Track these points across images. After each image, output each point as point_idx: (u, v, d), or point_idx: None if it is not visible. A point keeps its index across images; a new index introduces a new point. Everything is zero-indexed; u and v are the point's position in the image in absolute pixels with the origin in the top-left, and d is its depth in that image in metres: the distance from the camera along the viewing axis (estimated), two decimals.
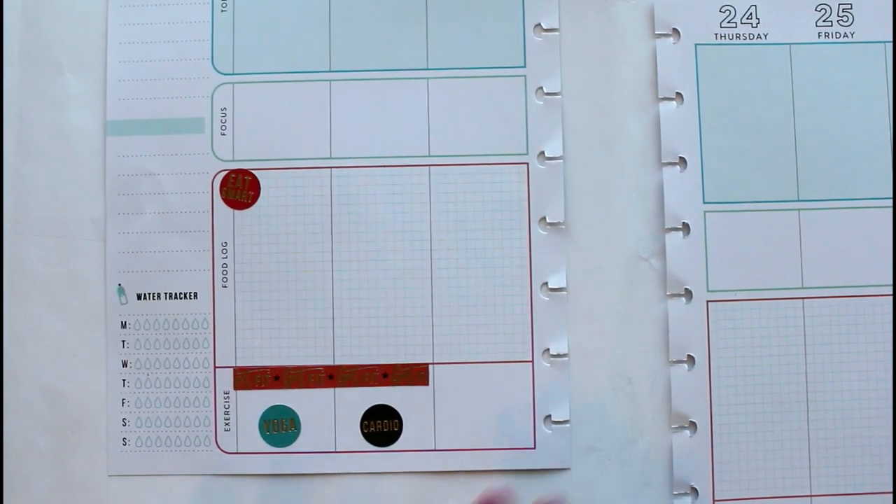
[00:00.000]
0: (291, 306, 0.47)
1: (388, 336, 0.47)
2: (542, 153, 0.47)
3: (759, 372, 0.47)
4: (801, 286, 0.47)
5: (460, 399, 0.47)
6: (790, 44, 0.48)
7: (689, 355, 0.47)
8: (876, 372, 0.47)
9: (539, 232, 0.47)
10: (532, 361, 0.47)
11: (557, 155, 0.47)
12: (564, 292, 0.47)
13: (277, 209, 0.47)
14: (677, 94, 0.47)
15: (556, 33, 0.48)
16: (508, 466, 0.47)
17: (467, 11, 0.48)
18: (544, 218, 0.47)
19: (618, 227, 0.47)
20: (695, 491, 0.46)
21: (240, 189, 0.48)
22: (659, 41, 0.48)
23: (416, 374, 0.47)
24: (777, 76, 0.48)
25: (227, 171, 0.48)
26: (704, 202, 0.47)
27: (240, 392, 0.47)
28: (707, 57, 0.48)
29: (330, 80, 0.48)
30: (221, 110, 0.48)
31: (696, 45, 0.48)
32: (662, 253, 0.47)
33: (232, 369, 0.47)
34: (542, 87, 0.47)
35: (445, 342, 0.47)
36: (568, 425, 0.47)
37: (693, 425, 0.47)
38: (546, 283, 0.47)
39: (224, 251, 0.47)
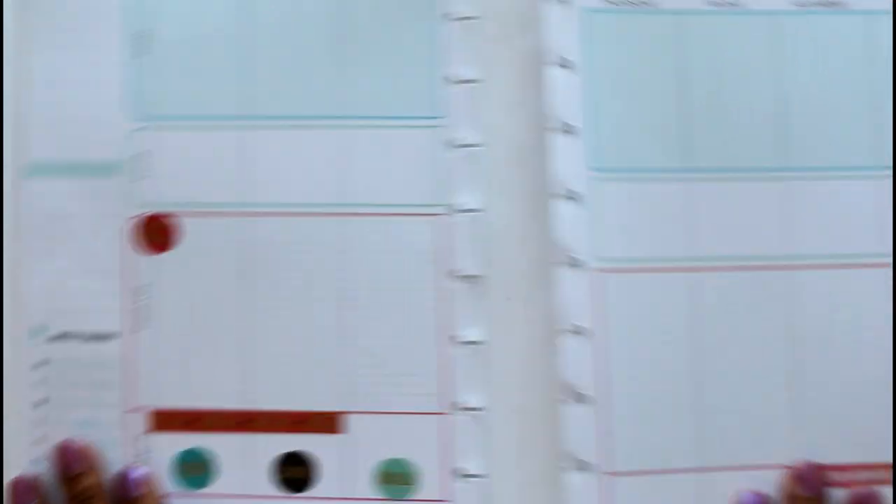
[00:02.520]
0: (207, 350, 0.47)
1: (303, 383, 0.47)
2: (455, 204, 0.47)
3: (649, 343, 0.47)
4: (691, 256, 0.47)
5: (374, 448, 0.47)
6: (680, 11, 0.48)
7: (575, 325, 0.46)
8: (768, 343, 0.47)
9: (450, 284, 0.47)
10: (442, 413, 0.47)
11: (470, 207, 0.47)
12: (475, 345, 0.47)
13: (195, 254, 0.48)
14: (565, 60, 0.47)
15: (473, 84, 0.47)
16: None
17: (383, 60, 0.47)
18: (455, 270, 0.47)
19: (537, 277, 0.47)
20: (584, 464, 0.46)
21: (157, 233, 0.48)
22: (546, 6, 0.47)
23: (329, 422, 0.47)
24: (667, 43, 0.47)
25: (144, 216, 0.48)
26: (592, 170, 0.47)
27: (155, 435, 0.47)
28: (595, 23, 0.47)
29: (247, 127, 0.48)
30: (140, 154, 0.48)
31: (583, 9, 0.47)
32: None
33: (147, 412, 0.47)
34: (456, 138, 0.47)
35: (360, 391, 0.47)
36: (485, 479, 0.47)
37: (582, 397, 0.47)
38: (456, 336, 0.47)
39: (141, 295, 0.48)
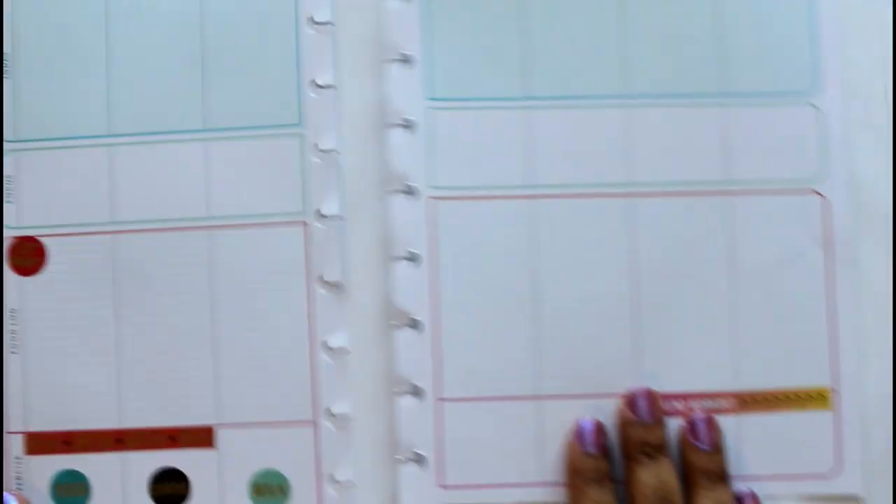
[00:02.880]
0: (80, 371, 0.47)
1: (175, 399, 0.47)
2: (319, 211, 0.47)
3: (485, 270, 0.46)
4: (529, 184, 0.46)
5: (246, 461, 0.47)
6: None
7: (410, 252, 0.46)
8: (608, 272, 0.46)
9: (319, 291, 0.47)
10: (315, 422, 0.47)
11: (334, 213, 0.47)
12: (345, 352, 0.47)
13: (64, 275, 0.48)
14: None
15: (332, 90, 0.47)
16: None
17: (244, 71, 0.47)
18: (322, 277, 0.47)
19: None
20: (418, 389, 0.46)
21: (26, 256, 0.48)
22: None
23: (202, 436, 0.47)
24: None
25: (13, 239, 0.48)
26: (428, 99, 0.46)
27: (31, 457, 0.47)
28: None
29: (110, 145, 0.48)
30: (7, 178, 0.48)
31: None
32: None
33: (23, 435, 0.47)
34: (318, 145, 0.47)
35: (230, 404, 0.47)
36: (353, 485, 0.46)
37: (415, 323, 0.46)
38: (327, 343, 0.47)
39: (12, 318, 0.48)
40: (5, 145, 0.48)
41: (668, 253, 0.46)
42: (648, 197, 0.46)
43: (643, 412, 0.45)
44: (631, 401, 0.45)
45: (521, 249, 0.46)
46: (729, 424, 0.46)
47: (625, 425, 0.45)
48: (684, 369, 0.46)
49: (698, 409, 0.46)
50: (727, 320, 0.46)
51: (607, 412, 0.46)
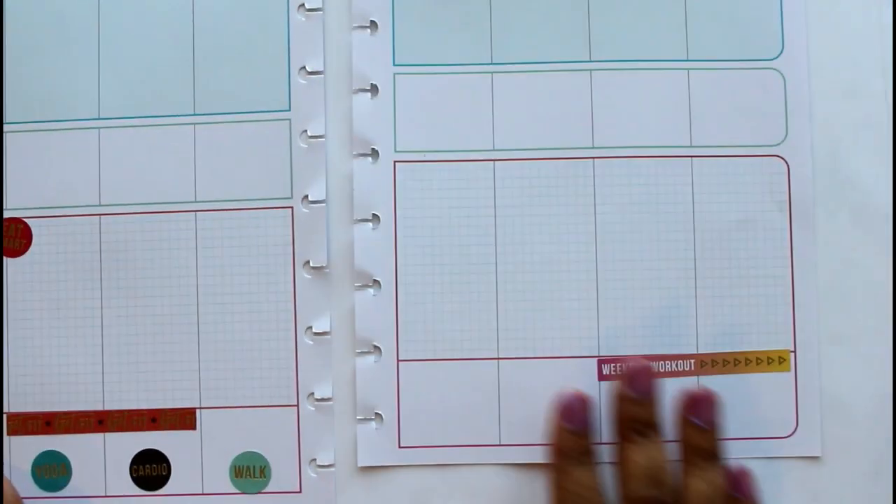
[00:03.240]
0: (62, 352, 0.47)
1: (157, 381, 0.47)
2: (307, 197, 0.47)
3: (447, 233, 0.47)
4: (492, 148, 0.47)
5: (227, 443, 0.47)
6: None
7: (374, 214, 0.47)
8: (566, 235, 0.47)
9: (303, 276, 0.47)
10: (297, 405, 0.47)
11: (321, 198, 0.47)
12: (328, 336, 0.47)
13: (49, 256, 0.48)
14: None
15: (321, 76, 0.48)
16: None
17: (234, 56, 0.48)
18: (308, 262, 0.47)
19: None
20: (378, 349, 0.46)
21: (12, 237, 0.48)
22: None
23: (183, 418, 0.47)
24: None
25: None
26: (394, 64, 0.47)
27: (12, 438, 0.47)
28: None
29: (99, 128, 0.48)
30: None
31: None
32: None
33: (4, 415, 0.47)
34: (306, 130, 0.48)
35: (212, 386, 0.47)
36: (333, 469, 0.47)
37: (377, 283, 0.47)
38: (311, 328, 0.47)
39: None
40: None
41: (630, 215, 0.47)
42: (610, 159, 0.47)
43: (639, 387, 0.43)
44: (627, 375, 0.43)
45: (484, 212, 0.47)
46: (690, 386, 0.46)
47: (619, 400, 0.43)
48: (645, 332, 0.47)
49: (699, 387, 0.46)
50: (688, 283, 0.47)
51: (566, 374, 0.46)
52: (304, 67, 0.48)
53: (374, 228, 0.47)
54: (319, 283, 0.47)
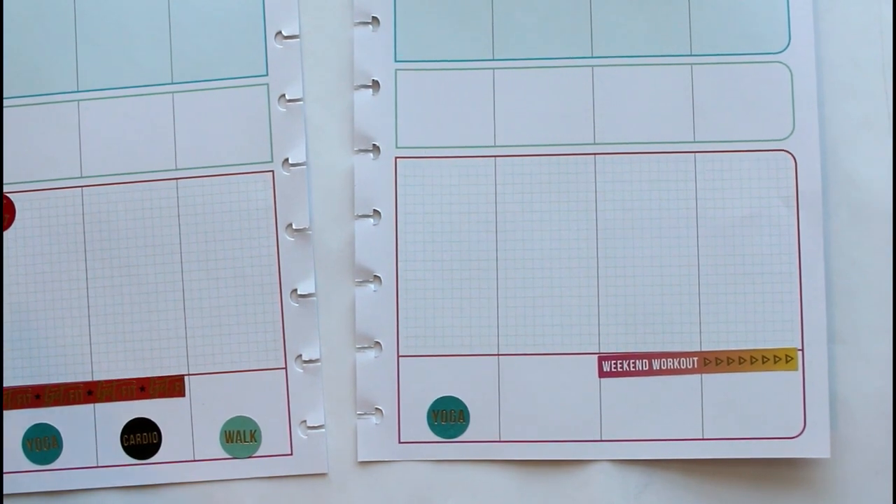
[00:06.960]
0: (49, 325, 0.47)
1: (145, 349, 0.47)
2: (287, 160, 0.47)
3: (448, 229, 0.47)
4: (493, 144, 0.47)
5: (217, 408, 0.47)
6: None
7: (374, 210, 0.47)
8: (568, 231, 0.47)
9: (287, 239, 0.47)
10: (285, 368, 0.47)
11: (301, 161, 0.47)
12: (314, 298, 0.47)
13: (33, 230, 0.48)
14: None
15: (297, 40, 0.48)
16: (267, 473, 0.47)
17: (210, 23, 0.48)
18: (291, 224, 0.47)
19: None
20: (378, 345, 0.46)
21: None
22: None
23: (172, 386, 0.47)
24: None
25: None
26: (396, 60, 0.47)
27: (5, 412, 0.47)
28: None
29: (78, 101, 0.48)
30: None
31: None
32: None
33: None
34: (284, 95, 0.48)
35: (200, 353, 0.47)
36: (323, 430, 0.47)
37: (378, 279, 0.46)
38: (296, 290, 0.47)
39: None
40: None
41: (631, 212, 0.47)
42: (611, 155, 0.47)
43: None
44: None
45: (484, 208, 0.47)
46: (693, 385, 0.46)
47: None
48: (646, 328, 0.46)
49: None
50: (691, 279, 0.46)
51: (566, 371, 0.46)
52: (280, 32, 0.48)
53: (374, 224, 0.47)
54: (302, 245, 0.47)
